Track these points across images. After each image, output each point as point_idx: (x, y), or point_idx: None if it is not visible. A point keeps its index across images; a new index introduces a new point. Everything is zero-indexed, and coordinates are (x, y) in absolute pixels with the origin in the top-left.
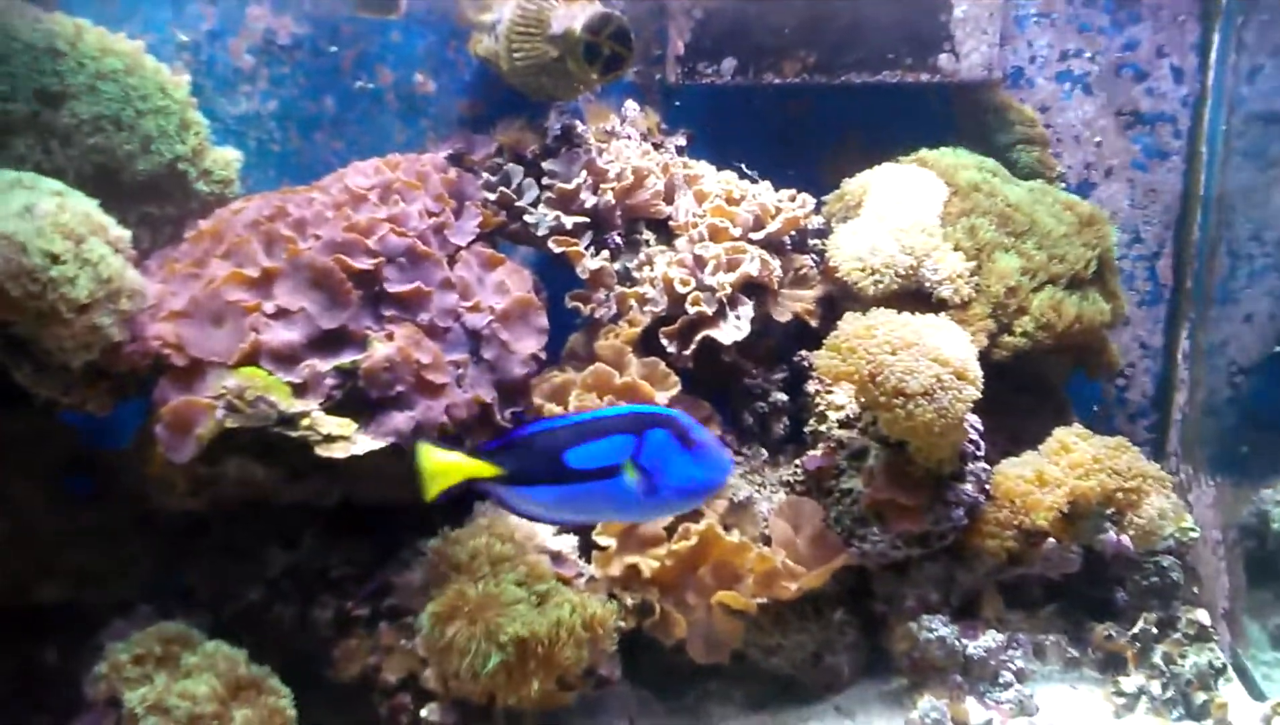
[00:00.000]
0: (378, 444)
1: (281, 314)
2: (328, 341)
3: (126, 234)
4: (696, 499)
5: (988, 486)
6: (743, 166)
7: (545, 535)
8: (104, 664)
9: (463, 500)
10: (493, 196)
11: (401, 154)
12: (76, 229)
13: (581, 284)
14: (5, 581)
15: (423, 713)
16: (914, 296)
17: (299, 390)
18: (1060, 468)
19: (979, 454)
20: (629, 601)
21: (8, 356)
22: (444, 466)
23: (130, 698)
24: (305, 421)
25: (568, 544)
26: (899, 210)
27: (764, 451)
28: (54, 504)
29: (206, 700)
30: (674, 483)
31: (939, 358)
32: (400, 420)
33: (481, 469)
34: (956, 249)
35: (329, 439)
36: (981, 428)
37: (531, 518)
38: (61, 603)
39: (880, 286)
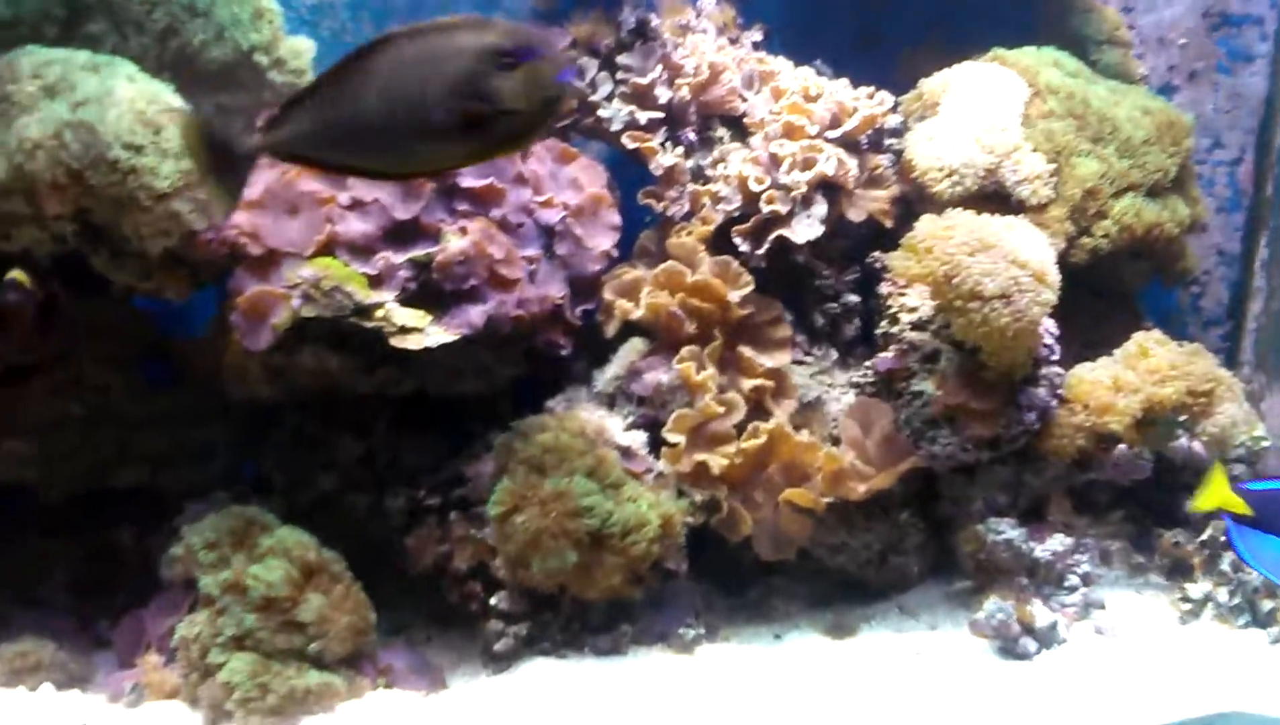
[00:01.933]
0: (450, 337)
1: (356, 205)
2: (402, 234)
3: None
4: None
5: (1060, 391)
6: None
7: (615, 430)
8: (180, 546)
9: (534, 394)
10: None
11: None
12: (155, 117)
13: (654, 180)
14: (83, 465)
15: (492, 600)
16: (990, 198)
17: (374, 282)
18: (1137, 373)
19: (1053, 358)
20: (697, 498)
21: (86, 242)
22: (1219, 494)
23: (206, 581)
24: (379, 312)
25: (638, 440)
26: (978, 110)
27: (834, 352)
28: (130, 390)
29: (281, 584)
30: None
31: (1017, 260)
32: (473, 313)
33: (1234, 504)
34: (1035, 151)
35: (403, 330)
36: (1057, 332)
37: (1250, 564)
38: (137, 487)
39: (959, 188)
